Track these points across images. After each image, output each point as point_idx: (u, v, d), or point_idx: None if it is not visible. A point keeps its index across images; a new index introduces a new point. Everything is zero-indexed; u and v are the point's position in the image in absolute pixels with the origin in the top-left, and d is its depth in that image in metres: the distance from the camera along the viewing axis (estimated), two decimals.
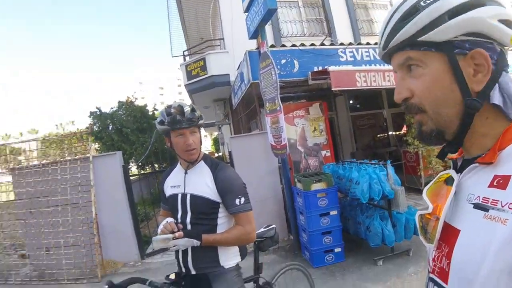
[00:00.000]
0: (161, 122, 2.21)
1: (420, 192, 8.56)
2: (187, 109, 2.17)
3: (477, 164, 0.83)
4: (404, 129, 10.48)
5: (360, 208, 5.73)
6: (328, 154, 7.46)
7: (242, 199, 2.20)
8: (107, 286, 2.09)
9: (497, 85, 0.80)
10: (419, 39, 0.81)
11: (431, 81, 0.82)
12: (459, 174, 0.89)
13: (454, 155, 0.95)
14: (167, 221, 2.11)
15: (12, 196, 6.99)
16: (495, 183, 0.76)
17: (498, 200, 0.73)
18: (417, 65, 0.84)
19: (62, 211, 6.36)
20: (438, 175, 0.99)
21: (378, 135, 12.82)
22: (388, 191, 5.07)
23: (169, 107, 2.21)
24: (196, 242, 2.06)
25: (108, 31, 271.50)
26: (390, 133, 12.35)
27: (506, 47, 0.82)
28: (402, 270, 4.98)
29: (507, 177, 0.74)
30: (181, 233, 2.02)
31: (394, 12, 0.86)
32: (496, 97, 0.80)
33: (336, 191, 5.53)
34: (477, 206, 0.78)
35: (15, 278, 6.32)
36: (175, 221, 2.18)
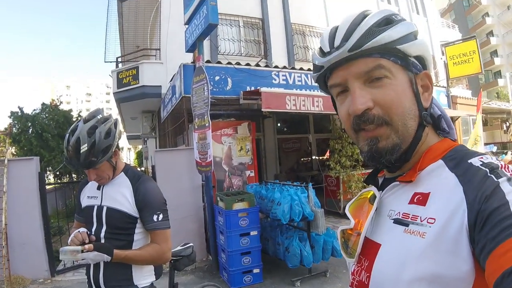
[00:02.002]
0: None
1: (339, 215, 8.92)
2: (84, 148, 1.95)
3: (398, 183, 0.87)
4: (328, 154, 10.86)
5: (280, 229, 5.80)
6: (252, 174, 7.49)
7: (161, 216, 2.11)
8: None
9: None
10: (398, 47, 0.81)
11: (401, 92, 0.82)
12: (381, 191, 0.93)
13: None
14: (79, 231, 1.97)
15: None
16: (415, 200, 0.80)
17: (418, 216, 0.77)
18: (386, 75, 0.82)
19: None
20: (361, 192, 1.02)
21: (302, 159, 13.18)
22: (308, 213, 5.17)
23: (72, 132, 2.02)
24: (106, 257, 1.91)
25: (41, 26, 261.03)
26: (313, 157, 12.75)
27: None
28: None
29: (427, 194, 0.79)
30: (91, 245, 1.87)
31: (364, 18, 0.83)
32: (438, 112, 0.89)
33: (258, 211, 5.56)
34: (397, 221, 0.82)
35: None
36: (88, 232, 2.04)
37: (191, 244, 2.86)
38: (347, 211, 1.02)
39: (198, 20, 5.98)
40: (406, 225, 0.79)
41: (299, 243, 5.29)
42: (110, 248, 1.95)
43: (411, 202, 0.81)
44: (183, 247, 2.78)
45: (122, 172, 2.24)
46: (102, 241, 2.09)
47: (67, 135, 2.02)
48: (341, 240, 1.00)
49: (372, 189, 0.96)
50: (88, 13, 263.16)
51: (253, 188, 6.35)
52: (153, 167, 6.94)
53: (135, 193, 2.13)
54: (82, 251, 1.86)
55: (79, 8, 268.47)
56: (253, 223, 5.40)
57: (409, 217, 0.79)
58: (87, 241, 1.93)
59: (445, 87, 12.20)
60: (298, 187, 5.54)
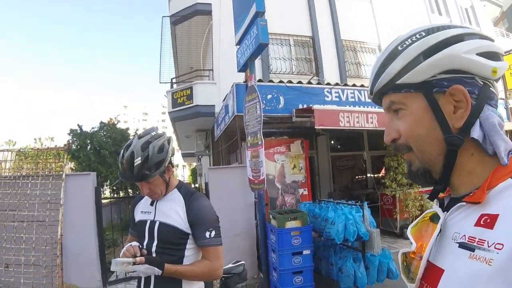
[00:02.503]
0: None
1: (395, 235, 8.59)
2: (137, 162, 2.01)
3: (464, 203, 0.81)
4: (383, 171, 10.55)
5: (334, 248, 5.67)
6: (306, 192, 7.41)
7: (213, 232, 2.11)
8: None
9: (478, 120, 0.80)
10: (397, 82, 0.83)
11: (413, 121, 0.83)
12: (445, 212, 0.87)
13: (442, 194, 0.94)
14: (131, 245, 2.02)
15: None
16: (482, 222, 0.74)
17: (485, 240, 0.71)
18: (400, 107, 0.86)
19: (27, 227, 6.11)
20: (424, 213, 0.98)
21: (357, 177, 12.87)
22: (363, 233, 5.03)
23: (127, 147, 2.10)
24: (157, 271, 1.93)
25: (98, 52, 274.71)
26: (368, 175, 12.41)
27: (490, 80, 0.82)
28: None
29: (495, 216, 0.72)
30: (142, 258, 1.91)
31: (378, 59, 0.89)
32: (476, 132, 0.79)
33: (311, 230, 5.47)
34: (462, 245, 0.77)
35: None
36: (140, 246, 2.09)
37: (242, 262, 2.82)
38: (408, 233, 0.98)
39: (249, 40, 6.04)
40: (472, 250, 0.73)
41: (353, 263, 5.15)
42: (162, 262, 1.96)
43: (478, 224, 0.75)
44: (234, 265, 2.74)
45: (176, 189, 2.25)
46: (154, 255, 2.10)
47: (122, 150, 2.09)
48: (402, 264, 0.96)
49: (436, 209, 0.91)
50: (143, 34, 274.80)
51: (307, 207, 6.28)
52: (206, 184, 7.00)
53: (188, 209, 2.13)
54: (134, 263, 1.89)
55: (134, 29, 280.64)
56: (306, 242, 5.32)
57: (475, 241, 0.73)
58: (138, 254, 1.96)
59: (503, 99, 11.62)
60: (353, 206, 5.41)
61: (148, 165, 2.03)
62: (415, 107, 0.83)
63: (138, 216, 2.30)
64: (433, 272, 0.82)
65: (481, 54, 0.79)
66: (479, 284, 0.68)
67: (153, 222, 2.18)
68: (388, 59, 0.85)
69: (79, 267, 6.38)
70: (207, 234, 2.09)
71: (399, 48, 0.84)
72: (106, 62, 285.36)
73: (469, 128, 0.80)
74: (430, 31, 0.82)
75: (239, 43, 6.70)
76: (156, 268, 1.93)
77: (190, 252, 2.15)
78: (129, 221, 2.39)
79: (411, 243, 0.94)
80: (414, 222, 1.00)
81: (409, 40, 0.83)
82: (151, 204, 2.25)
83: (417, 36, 0.82)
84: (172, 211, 2.15)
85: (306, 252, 5.29)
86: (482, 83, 0.81)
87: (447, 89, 0.80)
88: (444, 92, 0.80)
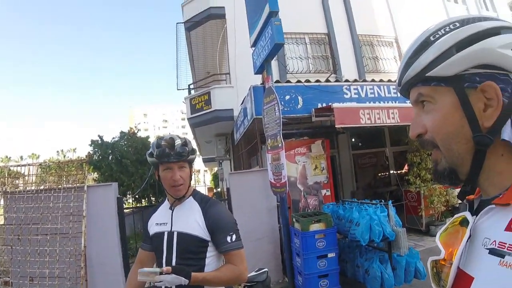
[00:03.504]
0: (151, 154, 2.14)
1: (421, 233, 8.48)
2: (178, 142, 2.10)
3: (494, 206, 0.76)
4: (406, 168, 10.36)
5: (359, 250, 5.56)
6: (328, 193, 7.34)
7: (234, 236, 2.11)
8: None
9: (510, 120, 0.75)
10: (427, 75, 0.79)
11: (441, 117, 0.79)
12: (475, 216, 0.81)
13: (471, 196, 0.88)
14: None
15: (1, 221, 6.81)
16: None
17: None
18: (428, 101, 0.82)
19: (51, 240, 6.16)
20: (453, 217, 0.91)
21: (380, 174, 12.63)
22: (389, 233, 4.92)
23: (161, 138, 2.15)
24: (184, 281, 1.90)
25: (112, 64, 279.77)
26: (391, 172, 12.14)
27: None
28: None
29: None
30: (169, 268, 1.89)
31: (409, 49, 0.85)
32: (507, 133, 0.75)
33: (335, 232, 5.39)
34: (492, 251, 0.72)
35: None
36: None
37: (265, 269, 2.79)
38: (437, 240, 0.91)
39: (264, 42, 5.99)
40: (502, 256, 0.68)
41: (379, 265, 5.04)
42: (188, 271, 1.94)
43: (508, 229, 0.70)
44: (257, 273, 2.72)
45: (191, 196, 2.26)
46: None
47: (155, 141, 2.17)
48: (432, 271, 0.90)
49: (465, 214, 0.85)
50: (160, 42, 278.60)
51: (330, 208, 6.18)
52: (228, 189, 6.99)
53: (205, 216, 2.13)
54: (160, 273, 1.88)
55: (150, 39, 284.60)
56: (331, 245, 5.25)
57: (505, 246, 0.68)
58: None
59: None
60: (378, 206, 5.31)
61: (187, 147, 2.13)
62: (444, 102, 0.79)
63: (153, 229, 2.28)
64: (463, 280, 0.77)
65: None
66: None
67: (171, 233, 2.17)
68: (419, 49, 0.82)
69: (104, 277, 6.42)
70: (229, 238, 2.10)
71: (431, 38, 0.80)
72: (124, 72, 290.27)
73: (499, 127, 0.75)
74: (464, 22, 0.78)
75: (254, 44, 6.67)
76: (183, 278, 1.91)
77: (210, 260, 2.14)
78: None
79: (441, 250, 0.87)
80: (443, 228, 0.93)
81: (442, 31, 0.79)
82: (167, 214, 2.24)
83: (451, 26, 0.79)
84: (190, 219, 2.15)
85: (331, 255, 5.22)
86: None
87: (479, 85, 0.75)
88: (476, 88, 0.76)
